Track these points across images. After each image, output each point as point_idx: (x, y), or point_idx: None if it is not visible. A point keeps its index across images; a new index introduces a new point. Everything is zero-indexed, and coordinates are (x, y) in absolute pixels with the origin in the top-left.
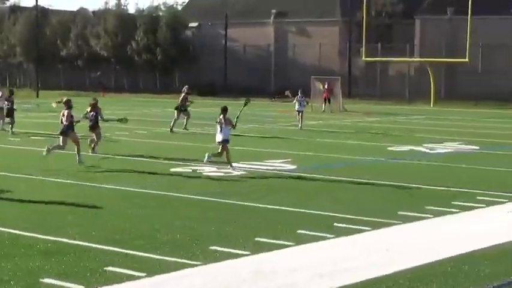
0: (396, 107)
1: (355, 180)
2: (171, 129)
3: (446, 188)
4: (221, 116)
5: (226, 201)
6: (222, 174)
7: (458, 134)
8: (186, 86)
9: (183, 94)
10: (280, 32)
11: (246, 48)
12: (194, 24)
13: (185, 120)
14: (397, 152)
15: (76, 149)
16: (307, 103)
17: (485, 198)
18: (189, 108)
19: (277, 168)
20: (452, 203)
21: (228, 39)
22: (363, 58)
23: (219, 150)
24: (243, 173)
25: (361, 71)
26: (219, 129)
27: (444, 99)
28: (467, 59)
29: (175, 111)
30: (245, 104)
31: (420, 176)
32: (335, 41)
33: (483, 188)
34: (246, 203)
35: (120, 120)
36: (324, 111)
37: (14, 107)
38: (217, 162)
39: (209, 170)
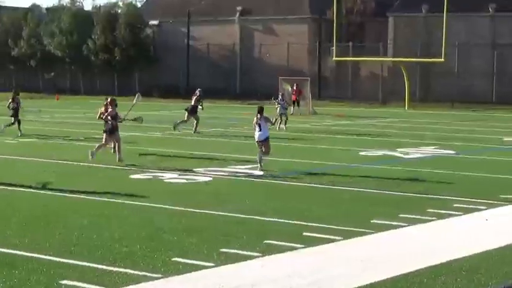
0: (369, 109)
1: (326, 187)
2: (174, 127)
3: (421, 195)
4: (258, 116)
5: (189, 209)
6: (184, 181)
7: (434, 137)
8: (199, 89)
9: (195, 97)
10: (246, 30)
11: (209, 48)
12: (155, 22)
13: (195, 124)
14: (369, 157)
15: (117, 147)
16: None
17: (462, 205)
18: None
19: (244, 174)
20: (428, 210)
21: (190, 38)
22: (334, 58)
23: (263, 149)
24: (208, 179)
25: (331, 72)
26: (257, 128)
27: (419, 101)
28: (442, 59)
29: (186, 113)
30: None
31: (394, 182)
32: (304, 39)
33: (460, 195)
34: (210, 212)
35: (135, 120)
36: (292, 114)
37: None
38: (179, 169)
39: (170, 177)
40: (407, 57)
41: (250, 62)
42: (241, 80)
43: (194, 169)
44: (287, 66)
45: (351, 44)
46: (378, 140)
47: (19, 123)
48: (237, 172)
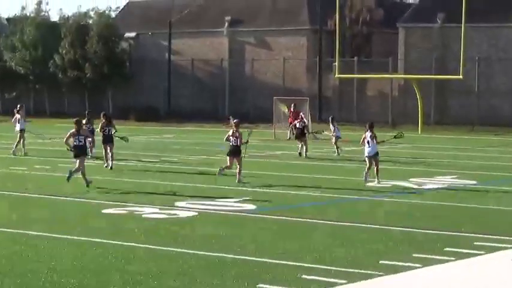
0: (377, 133)
1: (328, 223)
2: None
3: (437, 232)
4: (368, 133)
5: (169, 249)
6: (165, 216)
7: (451, 166)
8: (236, 120)
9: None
10: (236, 43)
11: (194, 64)
12: (131, 35)
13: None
14: (378, 189)
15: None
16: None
17: (485, 243)
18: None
19: (233, 208)
20: (446, 249)
21: (172, 53)
22: (336, 75)
23: (368, 165)
24: (192, 214)
25: (334, 91)
26: (367, 144)
27: (434, 124)
28: (461, 76)
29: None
30: (396, 137)
31: (406, 217)
32: (302, 54)
33: (482, 231)
34: (194, 252)
35: (122, 138)
36: (289, 139)
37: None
38: (159, 203)
39: (150, 212)
40: (421, 74)
41: (241, 80)
42: (230, 101)
43: (176, 203)
44: (283, 84)
45: (356, 59)
46: (388, 169)
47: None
48: (226, 206)
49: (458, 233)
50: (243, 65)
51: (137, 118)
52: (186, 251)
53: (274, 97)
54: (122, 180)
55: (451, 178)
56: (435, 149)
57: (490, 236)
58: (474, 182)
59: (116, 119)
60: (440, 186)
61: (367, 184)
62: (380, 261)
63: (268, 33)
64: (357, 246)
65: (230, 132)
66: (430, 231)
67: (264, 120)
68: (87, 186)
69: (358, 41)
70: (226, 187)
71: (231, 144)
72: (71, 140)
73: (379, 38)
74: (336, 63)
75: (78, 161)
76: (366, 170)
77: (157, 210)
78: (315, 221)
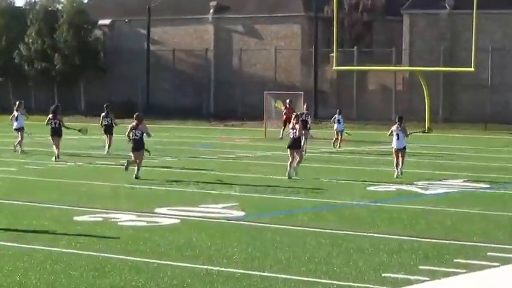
0: (378, 132)
1: (324, 231)
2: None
3: (446, 241)
4: (398, 125)
5: (148, 260)
6: (143, 223)
7: (462, 168)
8: (295, 113)
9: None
10: (222, 32)
11: (176, 54)
12: (106, 22)
13: None
14: (380, 193)
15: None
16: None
17: (498, 254)
18: None
19: (219, 215)
20: (455, 260)
21: (151, 42)
22: (334, 67)
23: (400, 158)
24: (174, 221)
25: (331, 85)
26: (395, 137)
27: (443, 122)
28: (472, 68)
29: None
30: (424, 132)
31: (411, 225)
32: (296, 44)
33: (496, 241)
34: (176, 263)
35: (80, 131)
36: (281, 138)
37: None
38: (137, 209)
39: (127, 219)
40: (428, 66)
41: (228, 73)
42: (216, 96)
43: (157, 209)
44: (274, 77)
45: (355, 49)
46: (391, 171)
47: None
48: (211, 212)
49: (470, 243)
50: (230, 56)
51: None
52: (167, 262)
53: (265, 92)
54: (96, 183)
55: (462, 181)
56: (443, 149)
57: (505, 246)
58: (487, 186)
59: (88, 115)
60: (449, 190)
61: (396, 177)
62: (383, 274)
63: (257, 20)
64: (357, 258)
65: (290, 125)
66: (439, 241)
67: (253, 118)
68: (136, 178)
69: (358, 30)
70: (212, 192)
71: (290, 136)
72: (130, 133)
73: (381, 26)
74: (334, 54)
75: (132, 154)
76: (395, 163)
77: (135, 217)
78: (310, 229)
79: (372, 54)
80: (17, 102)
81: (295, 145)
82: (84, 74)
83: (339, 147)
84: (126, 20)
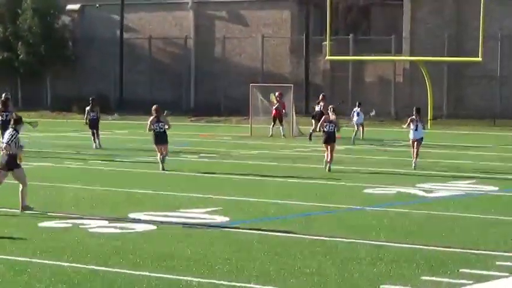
0: (377, 128)
1: (317, 238)
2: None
3: (451, 250)
4: (415, 115)
5: (121, 271)
6: (116, 230)
7: (469, 168)
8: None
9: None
10: (204, 18)
11: (152, 43)
12: (74, 7)
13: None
14: (378, 197)
15: None
16: None
17: (508, 263)
18: None
19: (201, 221)
20: (461, 270)
21: (125, 29)
22: (327, 57)
23: (415, 148)
24: (150, 228)
25: (324, 76)
26: (414, 127)
27: (447, 117)
28: (480, 58)
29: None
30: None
31: (413, 232)
32: (285, 31)
33: (505, 249)
34: (152, 274)
35: (30, 123)
36: (271, 135)
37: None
38: (109, 215)
39: (98, 225)
40: (431, 56)
41: (210, 64)
42: (197, 89)
43: (131, 214)
44: (261, 68)
45: (351, 37)
46: (390, 173)
47: None
48: (192, 218)
49: (477, 251)
50: (212, 45)
51: (82, 110)
52: (142, 273)
53: (251, 84)
54: (64, 185)
55: (468, 184)
56: (448, 148)
57: None
58: (496, 189)
59: (56, 110)
60: (454, 193)
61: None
62: (381, 286)
63: (243, 5)
64: (353, 268)
65: (323, 119)
66: (442, 249)
67: (238, 113)
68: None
69: (354, 15)
70: (193, 194)
71: (325, 130)
72: (151, 126)
73: (379, 11)
74: (327, 43)
75: (157, 147)
76: (413, 154)
77: (107, 224)
78: (301, 236)
79: (369, 42)
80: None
81: (332, 139)
82: (51, 65)
83: (362, 138)
84: (97, 5)
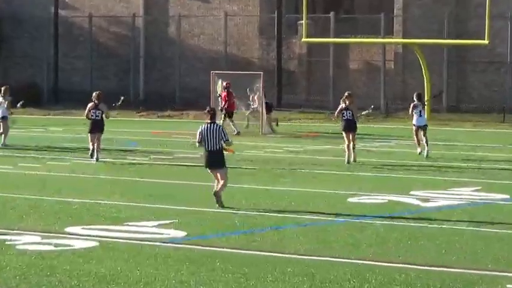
0: (363, 124)
1: (292, 257)
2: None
3: (453, 270)
4: (416, 101)
5: None
6: (50, 248)
7: (473, 172)
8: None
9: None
10: None
11: (93, 22)
12: None
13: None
14: (364, 206)
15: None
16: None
17: None
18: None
19: (151, 236)
20: None
21: (60, 6)
22: (303, 39)
23: (422, 133)
24: (90, 244)
25: (300, 63)
26: (418, 113)
27: (447, 111)
28: (486, 41)
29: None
30: (435, 96)
31: (406, 248)
32: (253, 8)
33: None
34: None
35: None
36: (238, 133)
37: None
38: (41, 229)
39: (28, 241)
40: (427, 38)
41: (163, 47)
42: (147, 77)
43: (68, 228)
44: (225, 53)
45: (332, 15)
46: (379, 177)
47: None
48: (140, 233)
49: (483, 271)
50: (165, 25)
51: (11, 101)
52: None
53: (212, 71)
54: None
55: (472, 190)
56: (448, 148)
57: None
58: (506, 197)
59: None
60: (455, 202)
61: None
62: None
63: None
64: None
65: (343, 106)
66: (441, 269)
67: (196, 106)
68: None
69: None
70: (142, 204)
71: (343, 118)
72: (90, 114)
73: None
74: (303, 22)
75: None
76: (416, 142)
77: (39, 239)
78: (273, 254)
79: (353, 22)
80: (3, 88)
81: (352, 127)
82: None
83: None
84: None
